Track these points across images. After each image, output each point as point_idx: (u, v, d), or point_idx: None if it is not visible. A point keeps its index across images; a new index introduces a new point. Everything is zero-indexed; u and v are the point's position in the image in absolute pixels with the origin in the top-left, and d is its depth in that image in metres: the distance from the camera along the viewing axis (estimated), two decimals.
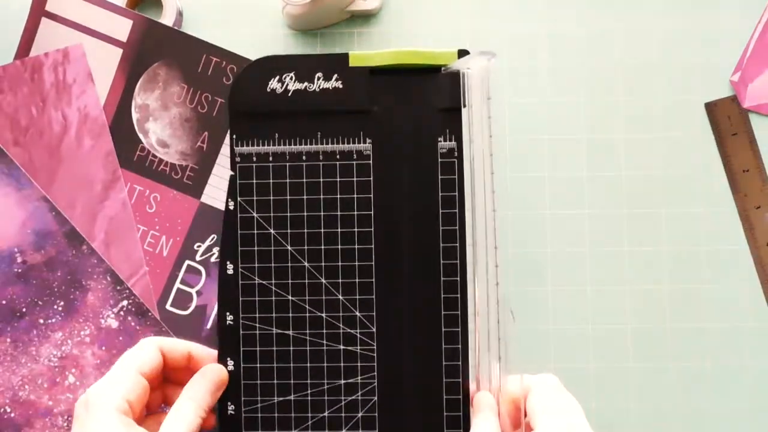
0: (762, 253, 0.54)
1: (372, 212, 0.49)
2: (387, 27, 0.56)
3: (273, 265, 0.49)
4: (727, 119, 0.55)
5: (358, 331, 0.49)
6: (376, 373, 0.49)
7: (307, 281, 0.49)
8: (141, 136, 0.55)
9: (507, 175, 0.55)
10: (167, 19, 0.55)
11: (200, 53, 0.55)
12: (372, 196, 0.49)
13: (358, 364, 0.49)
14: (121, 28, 0.55)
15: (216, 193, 0.54)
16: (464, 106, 0.48)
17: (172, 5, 0.55)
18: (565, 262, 0.55)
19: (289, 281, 0.49)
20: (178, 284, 0.55)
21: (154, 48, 0.55)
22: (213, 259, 0.55)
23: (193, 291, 0.55)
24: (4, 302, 0.54)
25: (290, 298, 0.49)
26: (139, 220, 0.55)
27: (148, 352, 0.46)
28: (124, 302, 0.54)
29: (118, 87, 0.55)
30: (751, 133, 0.55)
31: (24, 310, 0.54)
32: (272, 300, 0.49)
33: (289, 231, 0.49)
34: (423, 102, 0.48)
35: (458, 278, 0.48)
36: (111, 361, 0.54)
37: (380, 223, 0.49)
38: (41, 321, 0.54)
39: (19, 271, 0.54)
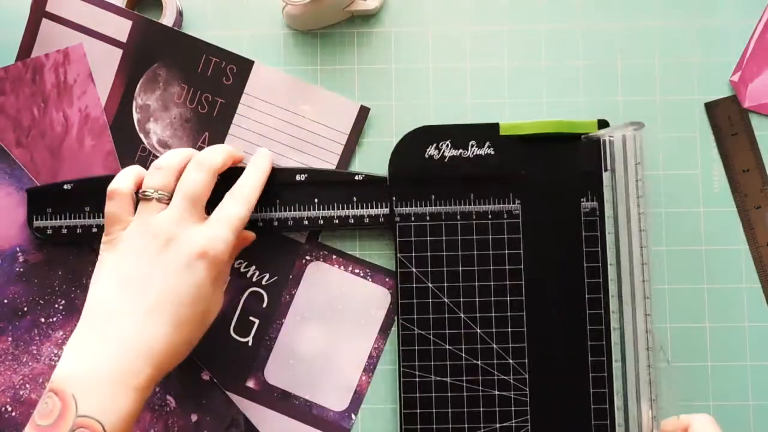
0: (762, 253, 0.54)
1: (522, 266, 0.53)
2: (387, 27, 0.56)
3: (431, 316, 0.53)
4: (727, 119, 0.55)
5: (511, 377, 0.53)
6: (529, 417, 0.52)
7: (463, 331, 0.53)
8: (142, 136, 0.55)
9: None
10: (167, 19, 0.55)
11: (200, 53, 0.55)
12: (521, 251, 0.53)
13: (512, 409, 0.53)
14: (121, 28, 0.55)
15: None
16: (605, 170, 0.52)
17: (172, 5, 0.55)
18: None
19: (446, 331, 0.53)
20: None
21: (154, 48, 0.55)
22: None
23: None
24: (5, 301, 0.54)
25: (447, 347, 0.53)
26: None
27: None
28: None
29: (119, 88, 0.55)
30: (751, 133, 0.55)
31: (25, 309, 0.54)
32: (430, 349, 0.53)
33: (445, 284, 0.53)
34: (566, 166, 0.53)
35: (603, 326, 0.52)
36: None
37: (530, 276, 0.53)
38: (42, 320, 0.54)
39: (21, 270, 0.55)
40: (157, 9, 0.56)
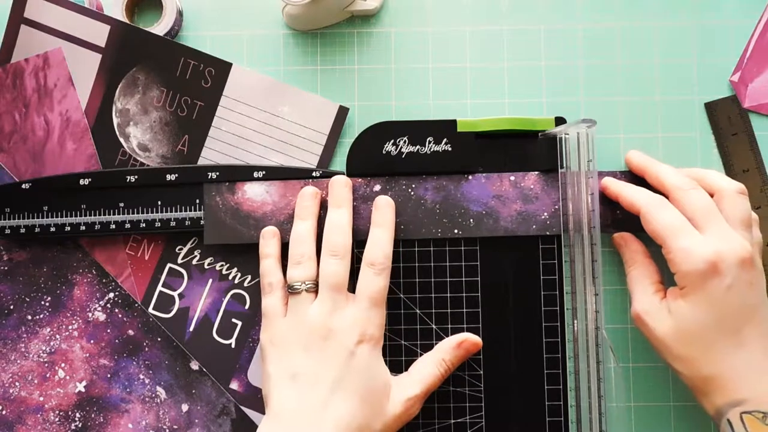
0: (762, 253, 0.54)
1: (478, 262, 0.53)
2: (387, 27, 0.56)
3: (387, 312, 0.52)
4: (727, 119, 0.55)
5: (466, 373, 0.53)
6: (483, 413, 0.52)
7: (418, 327, 0.53)
8: (122, 140, 0.55)
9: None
10: (167, 19, 0.55)
11: (178, 57, 0.55)
12: (477, 248, 0.53)
13: (467, 405, 0.53)
14: (99, 33, 0.55)
15: None
16: (561, 167, 0.52)
17: (172, 6, 0.55)
18: None
19: (402, 327, 0.53)
20: (160, 287, 0.55)
21: (133, 52, 0.55)
22: (195, 262, 0.55)
23: (175, 294, 0.55)
24: None
25: (403, 343, 0.53)
26: None
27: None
28: (111, 294, 0.54)
29: (98, 92, 0.55)
30: (751, 133, 0.55)
31: (12, 307, 0.54)
32: (386, 345, 0.53)
33: (401, 280, 0.53)
34: (524, 164, 0.53)
35: (558, 323, 0.53)
36: (100, 354, 0.54)
37: (485, 272, 0.53)
38: (29, 317, 0.54)
39: (6, 268, 0.55)
40: (157, 9, 0.56)
